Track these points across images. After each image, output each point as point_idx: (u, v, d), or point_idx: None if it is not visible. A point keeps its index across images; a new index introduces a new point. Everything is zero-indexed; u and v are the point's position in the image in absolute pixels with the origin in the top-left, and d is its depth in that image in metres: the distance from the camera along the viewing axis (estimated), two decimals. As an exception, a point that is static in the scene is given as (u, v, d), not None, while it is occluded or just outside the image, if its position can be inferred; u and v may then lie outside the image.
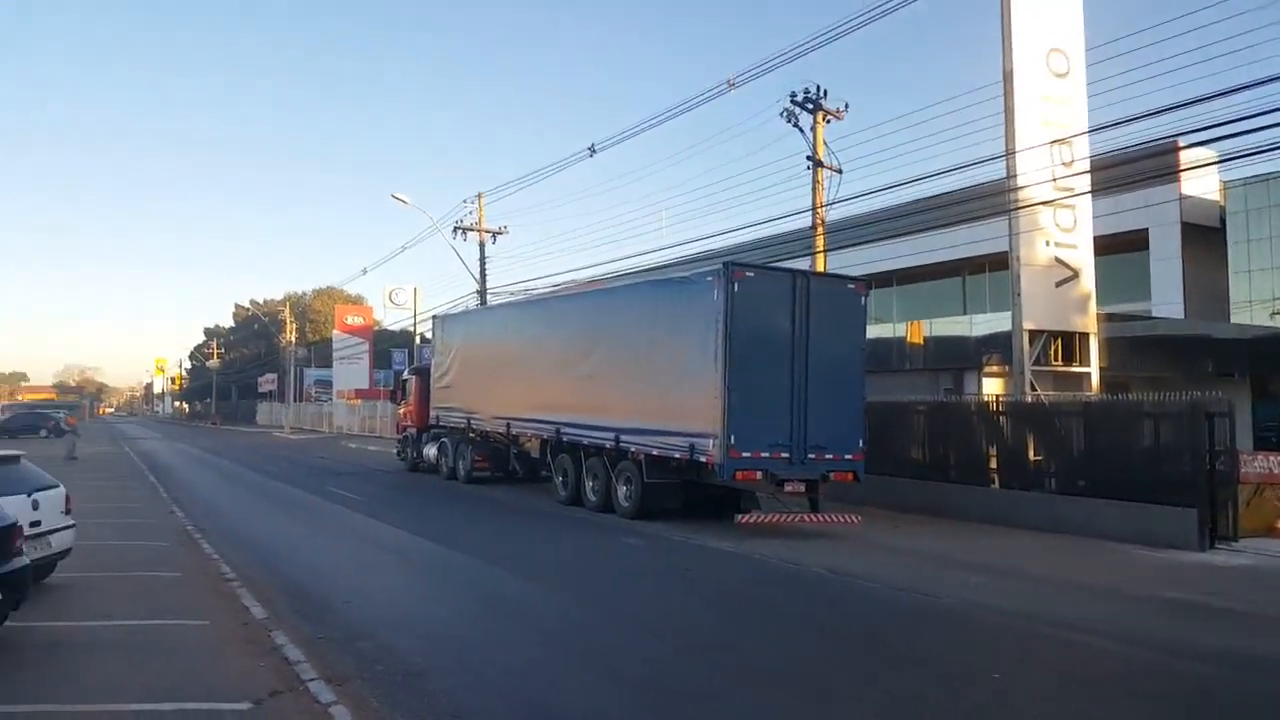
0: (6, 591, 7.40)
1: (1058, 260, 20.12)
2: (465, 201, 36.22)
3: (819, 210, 21.87)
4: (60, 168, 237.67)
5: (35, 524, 9.30)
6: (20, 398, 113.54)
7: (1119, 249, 25.80)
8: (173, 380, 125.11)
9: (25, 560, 7.84)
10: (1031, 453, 17.27)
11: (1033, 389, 19.34)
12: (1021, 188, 19.12)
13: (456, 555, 12.97)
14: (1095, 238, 21.21)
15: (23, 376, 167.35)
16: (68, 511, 10.24)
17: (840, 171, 21.79)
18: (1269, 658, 8.30)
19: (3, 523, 7.65)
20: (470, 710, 6.41)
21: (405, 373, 32.50)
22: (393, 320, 62.64)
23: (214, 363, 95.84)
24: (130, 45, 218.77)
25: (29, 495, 9.42)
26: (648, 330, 16.94)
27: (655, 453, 16.31)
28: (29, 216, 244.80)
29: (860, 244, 24.53)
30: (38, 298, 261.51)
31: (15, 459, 10.20)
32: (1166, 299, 25.76)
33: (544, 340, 20.63)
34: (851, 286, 16.40)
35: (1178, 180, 24.02)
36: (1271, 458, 15.95)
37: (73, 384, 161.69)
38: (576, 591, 10.62)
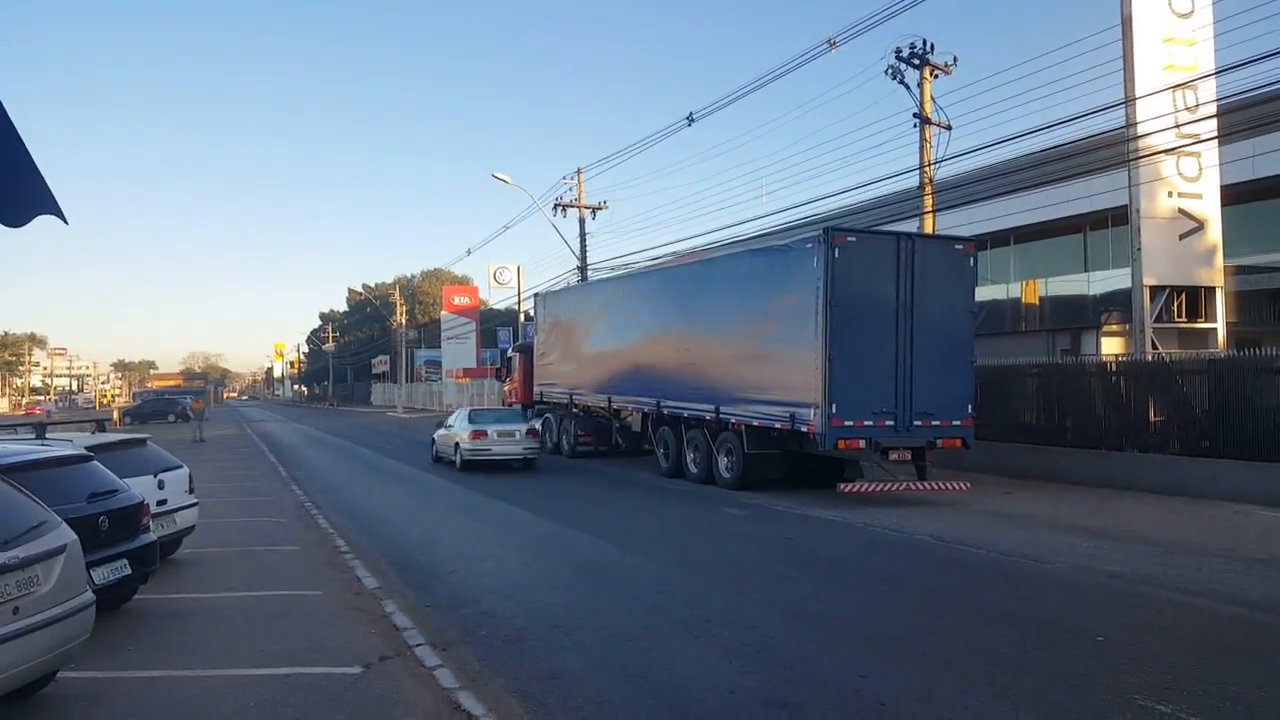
0: (135, 566, 7.80)
1: (1181, 211, 19.04)
2: (565, 178, 36.43)
3: (927, 169, 21.14)
4: (180, 168, 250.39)
5: (161, 503, 9.79)
6: (150, 385, 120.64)
7: (1254, 197, 24.12)
8: (291, 364, 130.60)
9: (152, 537, 8.24)
10: (1152, 413, 16.47)
11: (1154, 347, 18.41)
12: (1141, 136, 18.10)
13: (558, 527, 13.12)
14: (1227, 186, 19.95)
15: (151, 365, 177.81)
16: (191, 491, 10.73)
17: (949, 128, 21.00)
18: None
19: (131, 501, 8.06)
20: (568, 673, 6.47)
21: (509, 350, 33.09)
22: (498, 299, 63.73)
23: (329, 346, 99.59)
24: (240, 42, 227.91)
25: (155, 476, 9.91)
26: (747, 300, 16.73)
27: (756, 423, 16.16)
28: (155, 214, 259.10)
29: (973, 202, 23.64)
30: (165, 289, 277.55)
31: (142, 442, 10.76)
32: (1306, 248, 24.00)
33: (643, 314, 20.64)
34: (960, 247, 15.83)
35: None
36: None
37: (198, 370, 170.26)
38: (678, 561, 10.60)
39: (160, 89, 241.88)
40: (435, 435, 23.62)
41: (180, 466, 10.72)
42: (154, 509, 9.18)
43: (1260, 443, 14.55)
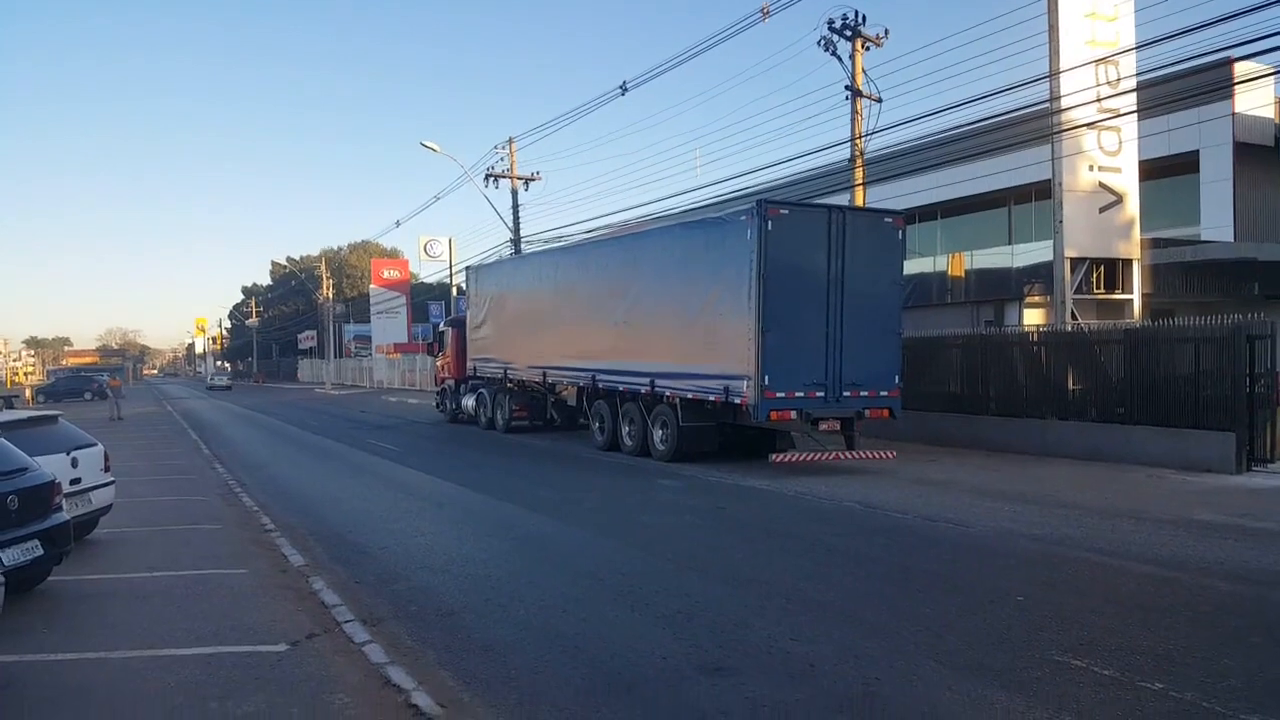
0: (48, 546, 7.52)
1: (1101, 185, 19.53)
2: (496, 148, 35.78)
3: (858, 142, 21.30)
4: (96, 134, 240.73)
5: (75, 481, 9.46)
6: (65, 362, 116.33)
7: (1168, 172, 24.93)
8: (214, 340, 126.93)
9: (65, 516, 7.95)
10: (1071, 382, 17.01)
11: (1074, 318, 18.95)
12: (1064, 110, 18.49)
13: (493, 501, 13.04)
14: (1143, 161, 20.53)
15: (66, 341, 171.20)
16: (107, 469, 10.38)
17: (880, 100, 21.17)
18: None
19: (41, 480, 7.76)
20: (501, 644, 6.44)
21: (441, 325, 32.56)
22: (429, 273, 62.84)
23: (253, 321, 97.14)
24: (165, 18, 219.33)
25: (68, 454, 9.55)
26: (681, 272, 16.72)
27: (690, 396, 16.23)
28: (68, 183, 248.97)
29: (902, 175, 23.94)
30: (80, 262, 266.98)
31: (53, 419, 10.35)
32: (1216, 222, 24.87)
33: (577, 287, 20.50)
34: (889, 220, 16.03)
35: (1231, 96, 23.00)
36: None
37: (115, 347, 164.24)
38: (613, 532, 10.62)
39: (78, 64, 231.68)
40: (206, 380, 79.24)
41: (95, 444, 10.34)
42: (67, 488, 8.90)
43: (1171, 409, 15.14)
